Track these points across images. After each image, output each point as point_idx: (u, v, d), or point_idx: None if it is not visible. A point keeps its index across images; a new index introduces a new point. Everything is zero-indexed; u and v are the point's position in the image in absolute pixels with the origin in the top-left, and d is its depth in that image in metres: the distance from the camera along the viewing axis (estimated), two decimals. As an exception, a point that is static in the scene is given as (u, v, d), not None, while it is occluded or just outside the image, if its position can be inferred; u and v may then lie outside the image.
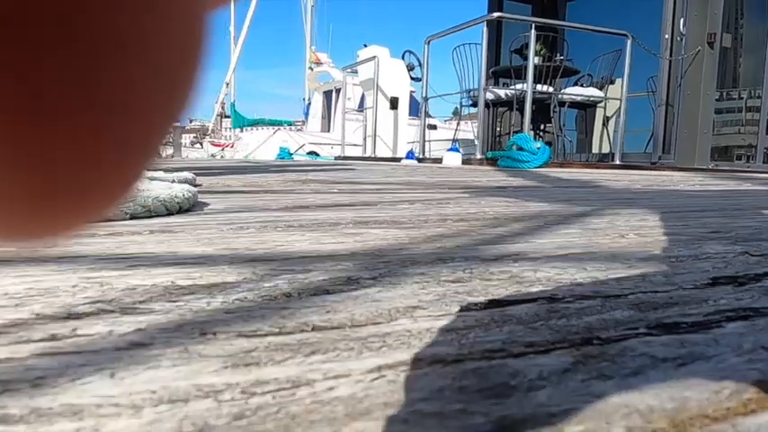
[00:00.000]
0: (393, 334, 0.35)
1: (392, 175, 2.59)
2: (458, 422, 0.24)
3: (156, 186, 1.07)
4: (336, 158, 7.03)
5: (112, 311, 0.38)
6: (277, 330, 0.35)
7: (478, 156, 5.06)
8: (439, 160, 5.53)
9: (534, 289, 0.46)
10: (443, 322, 0.37)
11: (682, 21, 4.74)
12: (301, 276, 0.49)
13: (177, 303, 0.40)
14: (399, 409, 0.25)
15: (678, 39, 4.77)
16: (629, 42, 4.99)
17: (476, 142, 5.57)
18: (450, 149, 5.64)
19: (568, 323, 0.38)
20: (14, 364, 0.29)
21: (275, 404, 0.25)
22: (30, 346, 0.31)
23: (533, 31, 4.90)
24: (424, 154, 6.24)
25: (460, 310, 0.40)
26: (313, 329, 0.35)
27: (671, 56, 4.92)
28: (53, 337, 0.33)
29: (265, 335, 0.34)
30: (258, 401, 0.25)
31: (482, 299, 0.43)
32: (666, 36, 4.88)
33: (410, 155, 6.45)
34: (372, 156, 6.85)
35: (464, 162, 5.16)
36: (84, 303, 0.40)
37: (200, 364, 0.29)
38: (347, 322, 0.37)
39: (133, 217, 0.88)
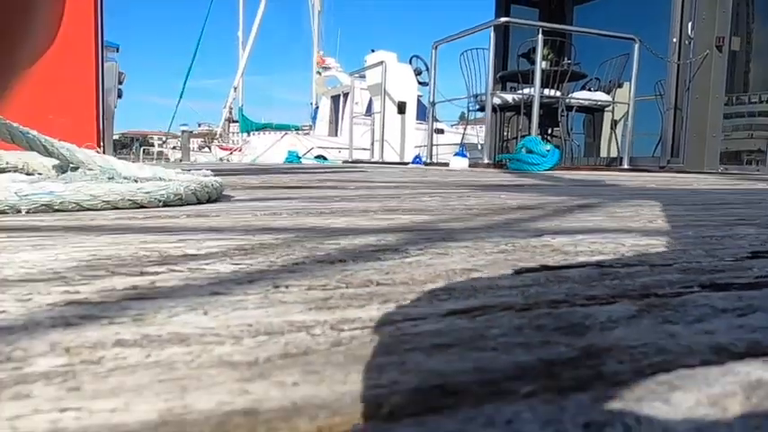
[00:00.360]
0: (457, 289, 0.36)
1: (404, 176, 2.60)
2: (544, 351, 0.25)
3: (186, 176, 1.09)
4: (344, 162, 7.04)
5: (181, 271, 0.39)
6: (344, 285, 0.36)
7: (485, 160, 5.07)
8: (446, 164, 5.55)
9: (580, 258, 0.48)
10: (502, 281, 0.38)
11: (690, 24, 4.75)
12: (350, 247, 0.51)
13: (240, 265, 0.42)
14: (485, 341, 0.26)
15: (686, 42, 4.77)
16: (636, 46, 5.00)
17: (480, 147, 5.58)
18: (457, 154, 5.65)
19: (623, 283, 0.39)
20: (109, 305, 0.30)
21: (366, 336, 0.27)
22: (116, 293, 0.33)
23: (540, 35, 4.92)
24: (431, 158, 6.25)
25: (515, 273, 0.41)
26: (378, 285, 0.37)
27: (679, 59, 4.93)
28: (135, 287, 0.34)
29: (335, 288, 0.35)
30: (349, 334, 0.27)
31: (533, 264, 0.44)
32: (675, 39, 4.89)
33: (417, 159, 6.46)
34: (380, 160, 6.87)
35: (471, 166, 5.17)
36: (152, 264, 0.41)
37: (284, 307, 0.31)
38: (408, 281, 0.38)
39: (166, 204, 0.89)
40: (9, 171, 1.09)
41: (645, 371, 0.23)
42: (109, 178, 0.97)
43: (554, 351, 0.25)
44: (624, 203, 1.10)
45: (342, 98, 11.39)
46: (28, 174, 1.08)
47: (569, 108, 5.52)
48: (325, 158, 9.17)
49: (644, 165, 5.22)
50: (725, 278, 0.41)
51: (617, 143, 5.87)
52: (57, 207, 0.77)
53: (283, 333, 0.27)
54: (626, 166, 4.94)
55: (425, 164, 5.97)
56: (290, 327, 0.27)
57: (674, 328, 0.29)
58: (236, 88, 16.30)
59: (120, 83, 7.40)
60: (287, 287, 0.35)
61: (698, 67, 4.79)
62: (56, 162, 1.09)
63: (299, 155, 8.09)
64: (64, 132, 1.30)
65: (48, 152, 1.03)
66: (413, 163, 6.16)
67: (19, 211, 0.74)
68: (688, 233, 0.66)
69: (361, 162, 6.42)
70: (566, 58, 5.82)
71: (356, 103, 8.50)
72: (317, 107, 13.50)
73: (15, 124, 0.98)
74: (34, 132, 1.01)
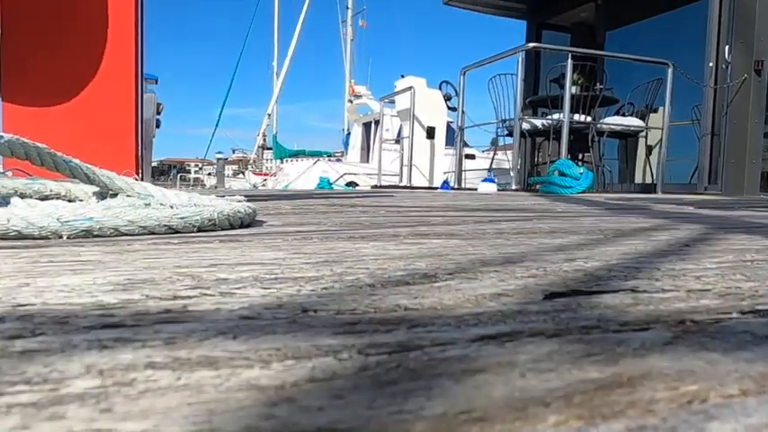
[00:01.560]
0: (485, 313, 0.36)
1: (434, 201, 2.60)
2: (575, 377, 0.25)
3: (220, 202, 1.11)
4: (373, 187, 7.08)
5: (213, 295, 0.40)
6: (373, 310, 0.36)
7: (513, 186, 5.03)
8: (474, 190, 5.52)
9: (613, 283, 0.47)
10: (532, 307, 0.38)
11: (727, 48, 4.67)
12: (379, 272, 0.51)
13: (270, 290, 0.42)
14: (514, 367, 0.26)
15: (723, 66, 4.69)
16: (669, 71, 4.94)
17: (511, 173, 5.54)
18: (486, 179, 5.63)
19: (657, 308, 0.38)
20: (143, 328, 0.31)
21: (393, 361, 0.26)
22: (150, 317, 0.33)
23: (570, 60, 4.90)
24: (459, 183, 6.24)
25: (546, 298, 0.41)
26: (406, 310, 0.37)
27: (716, 84, 4.84)
28: (168, 311, 0.35)
29: (363, 313, 0.36)
30: (376, 359, 0.27)
31: (564, 289, 0.44)
32: (711, 64, 4.81)
33: (445, 185, 6.46)
34: (408, 185, 6.89)
35: (500, 191, 5.13)
36: (185, 289, 0.42)
37: (311, 331, 0.31)
38: (437, 305, 0.38)
39: (200, 229, 0.91)
40: (52, 198, 1.13)
41: (680, 399, 0.22)
42: (146, 204, 1.00)
43: (585, 378, 0.24)
44: (661, 227, 1.08)
45: (373, 125, 11.53)
46: (70, 200, 1.12)
47: (600, 133, 5.45)
48: (356, 184, 9.25)
49: (680, 192, 5.10)
50: (767, 304, 0.39)
51: (651, 169, 5.76)
52: (96, 233, 0.80)
53: (311, 357, 0.27)
54: (660, 194, 4.83)
55: (453, 189, 5.96)
56: (318, 351, 0.28)
57: (712, 355, 0.28)
58: (269, 116, 16.69)
59: (159, 113, 7.66)
60: (315, 311, 0.36)
61: (735, 91, 4.69)
62: (96, 189, 1.13)
63: (331, 181, 8.18)
64: (105, 161, 1.35)
65: (89, 180, 1.07)
66: (441, 188, 6.16)
67: (60, 237, 0.77)
68: (728, 257, 0.64)
69: (389, 187, 6.44)
70: (597, 84, 5.77)
71: (386, 130, 8.59)
72: (349, 134, 13.69)
73: (59, 153, 1.02)
74: (77, 161, 1.05)
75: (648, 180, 5.86)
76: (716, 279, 0.49)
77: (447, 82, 7.63)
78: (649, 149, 5.81)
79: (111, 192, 1.10)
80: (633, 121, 5.59)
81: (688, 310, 0.37)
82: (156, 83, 8.42)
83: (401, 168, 7.26)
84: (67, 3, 2.03)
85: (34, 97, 1.98)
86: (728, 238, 0.89)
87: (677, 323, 0.34)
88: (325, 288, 0.43)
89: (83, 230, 0.79)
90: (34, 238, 0.75)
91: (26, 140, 0.97)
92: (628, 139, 5.95)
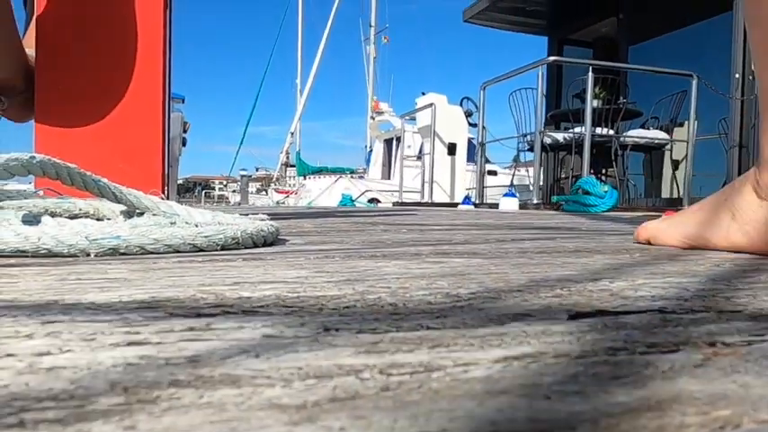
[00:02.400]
0: (509, 334, 0.35)
1: (456, 218, 2.60)
2: (601, 400, 0.24)
3: (244, 221, 1.12)
4: (394, 204, 7.09)
5: (236, 313, 0.40)
6: (394, 329, 0.36)
7: (535, 201, 4.98)
8: (496, 205, 5.48)
9: (640, 303, 0.46)
10: (556, 327, 0.37)
11: (753, 59, 4.59)
12: (401, 291, 0.51)
13: (292, 308, 0.42)
14: (538, 389, 0.25)
15: (750, 78, 4.61)
16: (694, 83, 4.87)
17: (530, 188, 5.50)
18: (507, 195, 5.60)
19: (686, 330, 0.37)
20: (167, 346, 0.31)
21: (415, 381, 0.26)
22: (174, 334, 0.34)
23: (591, 73, 4.87)
24: (481, 199, 6.21)
25: (570, 318, 0.40)
26: (428, 329, 0.36)
27: (743, 95, 4.76)
28: (191, 329, 0.35)
29: (385, 332, 0.35)
30: (398, 379, 0.26)
31: (589, 309, 0.43)
32: (737, 75, 4.74)
33: (467, 200, 6.44)
34: (429, 201, 6.88)
35: (521, 207, 5.09)
36: (208, 307, 0.42)
37: (333, 350, 0.31)
38: (459, 325, 0.38)
39: (224, 248, 0.92)
40: (81, 216, 1.16)
41: (711, 425, 0.22)
42: (171, 223, 1.01)
43: (613, 401, 0.24)
44: (688, 245, 1.05)
45: (394, 141, 11.59)
46: (98, 219, 1.15)
47: (624, 147, 5.39)
48: (378, 201, 9.27)
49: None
50: (801, 326, 0.38)
51: (677, 183, 5.66)
52: (122, 251, 0.81)
53: (332, 376, 0.27)
54: (686, 208, 4.74)
55: (474, 205, 5.93)
56: (340, 370, 0.28)
57: (744, 378, 0.27)
58: (292, 133, 16.91)
59: (185, 131, 7.82)
60: (337, 330, 0.36)
61: (763, 102, 4.59)
62: (124, 208, 1.15)
63: (353, 198, 8.21)
64: (132, 180, 1.38)
65: (117, 199, 1.09)
66: (463, 204, 6.14)
67: (88, 255, 0.78)
68: (760, 277, 0.63)
69: (411, 204, 6.43)
70: (620, 97, 5.72)
71: (408, 147, 8.62)
72: (371, 150, 13.77)
73: (89, 173, 1.05)
74: (105, 180, 1.07)
75: (675, 194, 5.76)
76: (747, 300, 0.48)
77: (467, 98, 7.65)
78: (675, 163, 5.72)
79: (137, 210, 1.12)
80: (657, 134, 5.51)
81: (719, 332, 0.36)
82: (183, 102, 8.60)
83: (422, 185, 7.27)
84: (100, 24, 2.09)
85: (65, 118, 2.04)
86: (758, 257, 0.86)
87: (708, 345, 0.33)
88: (347, 307, 0.43)
89: (110, 248, 0.81)
90: (63, 256, 0.76)
91: (57, 160, 1.00)
92: (652, 152, 5.86)
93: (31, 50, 2.11)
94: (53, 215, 1.10)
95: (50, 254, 0.77)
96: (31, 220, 0.99)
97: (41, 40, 2.07)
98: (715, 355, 0.31)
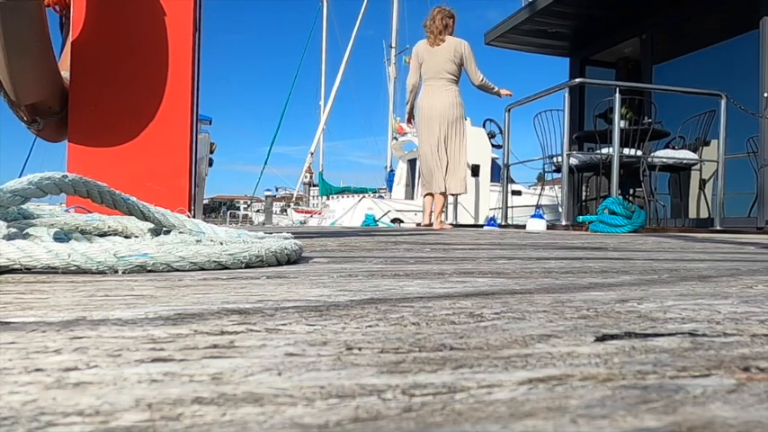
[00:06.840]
0: (534, 355, 0.35)
1: (480, 239, 2.58)
2: (629, 424, 0.23)
3: (268, 239, 1.13)
4: (417, 224, 7.07)
5: (259, 331, 0.41)
6: (417, 349, 0.36)
7: (563, 222, 4.92)
8: (522, 226, 5.43)
9: (669, 326, 0.45)
10: (583, 349, 0.37)
11: (782, 78, 4.51)
12: (424, 310, 0.50)
13: (315, 326, 0.42)
14: (564, 412, 0.25)
15: (780, 97, 4.52)
16: (723, 102, 4.79)
17: (560, 209, 5.43)
18: (534, 216, 5.54)
19: (719, 354, 0.36)
20: (191, 363, 0.31)
21: (438, 402, 0.26)
22: (198, 351, 0.34)
23: (617, 94, 4.83)
24: (506, 220, 6.16)
25: (597, 340, 0.39)
26: (451, 349, 0.36)
27: (773, 115, 4.66)
28: (215, 346, 0.35)
29: (408, 351, 0.35)
30: (421, 400, 0.26)
31: (617, 331, 0.42)
32: (766, 95, 4.65)
33: (491, 222, 6.39)
34: (453, 223, 6.85)
35: (549, 228, 5.03)
36: (232, 324, 0.43)
37: (356, 370, 0.31)
38: (483, 346, 0.37)
39: (248, 266, 0.93)
40: (110, 234, 1.18)
41: (747, 453, 0.21)
42: (197, 241, 1.03)
43: (641, 426, 0.23)
44: (719, 268, 1.03)
45: (418, 162, 11.60)
46: (126, 237, 1.17)
47: (652, 167, 5.31)
48: (401, 221, 9.27)
49: (738, 226, 4.87)
50: (840, 351, 0.36)
51: (707, 203, 5.54)
52: (149, 268, 0.82)
53: (354, 396, 0.26)
54: (718, 228, 4.63)
55: (500, 226, 5.88)
56: (362, 390, 0.27)
57: (782, 405, 0.26)
58: (312, 154, 17.10)
59: (212, 152, 7.96)
60: (360, 349, 0.35)
61: (794, 121, 4.50)
62: (151, 226, 1.17)
63: (376, 218, 8.23)
64: (159, 198, 1.41)
65: (144, 217, 1.11)
66: (487, 225, 6.09)
67: (116, 272, 0.80)
68: (794, 300, 0.61)
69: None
70: (646, 117, 5.65)
71: (431, 167, 8.60)
72: (392, 171, 13.81)
73: (118, 192, 1.07)
74: (133, 199, 1.09)
75: (703, 215, 5.64)
76: (782, 322, 0.46)
77: (491, 120, 7.65)
78: (703, 183, 5.60)
79: (164, 228, 1.14)
80: (686, 154, 5.42)
81: (753, 356, 0.35)
82: (210, 123, 8.77)
83: (446, 205, 7.24)
84: (132, 48, 2.16)
85: (97, 138, 2.10)
86: (795, 279, 0.84)
87: (741, 369, 0.32)
88: (370, 326, 0.43)
89: (137, 265, 0.82)
90: (92, 273, 0.78)
91: (88, 179, 1.03)
92: (680, 172, 5.76)
93: (66, 73, 2.19)
94: (83, 232, 1.13)
95: (80, 270, 0.78)
96: (63, 237, 1.01)
97: (76, 63, 2.14)
98: (749, 380, 0.30)
